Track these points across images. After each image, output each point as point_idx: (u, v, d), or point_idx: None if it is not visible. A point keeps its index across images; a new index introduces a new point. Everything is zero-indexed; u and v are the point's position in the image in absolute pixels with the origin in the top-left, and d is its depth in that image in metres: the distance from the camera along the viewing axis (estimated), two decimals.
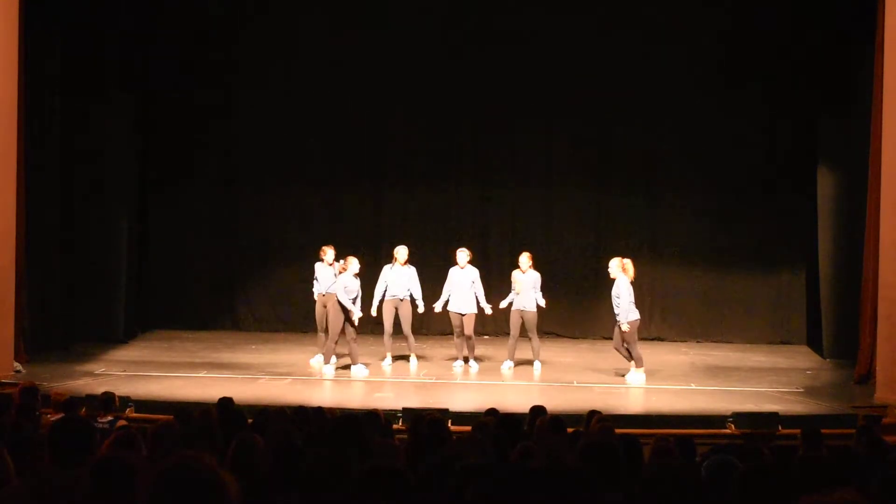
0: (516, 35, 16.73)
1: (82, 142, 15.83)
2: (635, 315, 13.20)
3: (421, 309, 14.15)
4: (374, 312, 14.17)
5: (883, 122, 12.46)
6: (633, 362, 13.22)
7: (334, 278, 13.86)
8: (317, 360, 14.06)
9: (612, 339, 13.57)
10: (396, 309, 14.08)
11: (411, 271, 14.14)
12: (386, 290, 14.08)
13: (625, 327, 13.05)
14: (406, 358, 14.25)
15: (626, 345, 13.25)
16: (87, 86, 15.75)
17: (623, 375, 13.35)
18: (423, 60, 16.85)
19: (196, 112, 17.11)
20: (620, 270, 13.20)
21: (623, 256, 13.47)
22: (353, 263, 13.67)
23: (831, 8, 15.14)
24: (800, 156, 16.22)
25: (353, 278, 13.56)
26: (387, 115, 17.09)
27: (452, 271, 14.11)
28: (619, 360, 13.48)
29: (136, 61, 16.42)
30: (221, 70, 17.15)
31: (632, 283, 13.25)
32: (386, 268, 14.22)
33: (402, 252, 14.13)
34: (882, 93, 12.51)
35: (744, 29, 16.27)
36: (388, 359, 14.19)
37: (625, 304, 13.03)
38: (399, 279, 14.05)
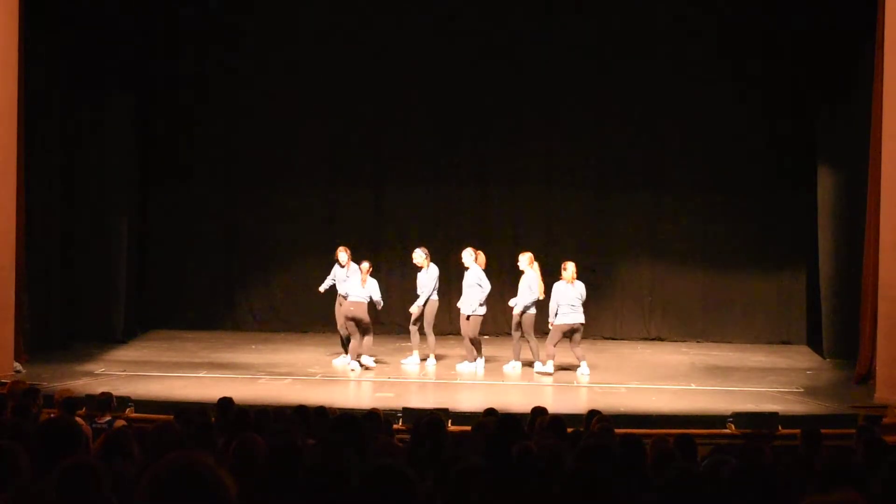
0: (516, 35, 16.73)
1: (82, 141, 15.83)
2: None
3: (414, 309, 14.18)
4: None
5: (883, 120, 12.44)
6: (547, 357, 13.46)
7: (345, 279, 13.97)
8: (342, 360, 14.08)
9: (612, 338, 13.58)
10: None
11: (433, 271, 14.17)
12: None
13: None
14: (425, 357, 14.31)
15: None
16: (88, 85, 15.74)
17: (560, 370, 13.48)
18: (424, 60, 16.84)
19: (196, 111, 17.11)
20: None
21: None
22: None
23: (830, 5, 15.13)
24: (800, 155, 16.21)
25: (370, 278, 13.81)
26: (387, 115, 17.06)
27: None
28: (619, 359, 13.45)
29: (136, 61, 16.41)
30: (222, 69, 17.14)
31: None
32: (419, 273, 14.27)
33: (416, 256, 14.20)
34: (882, 91, 12.48)
35: (743, 28, 16.27)
36: (432, 358, 14.20)
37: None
38: (426, 281, 14.12)
